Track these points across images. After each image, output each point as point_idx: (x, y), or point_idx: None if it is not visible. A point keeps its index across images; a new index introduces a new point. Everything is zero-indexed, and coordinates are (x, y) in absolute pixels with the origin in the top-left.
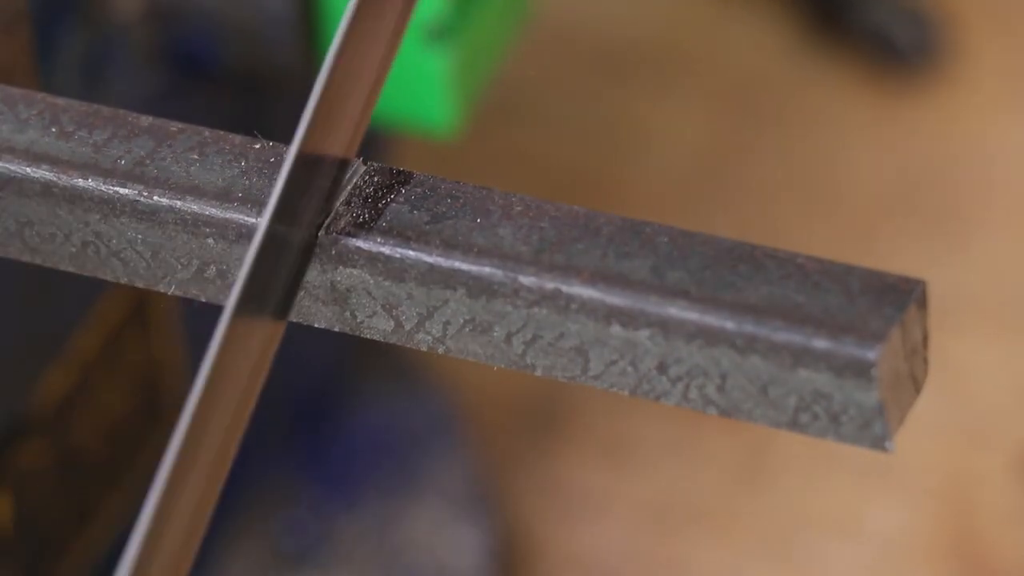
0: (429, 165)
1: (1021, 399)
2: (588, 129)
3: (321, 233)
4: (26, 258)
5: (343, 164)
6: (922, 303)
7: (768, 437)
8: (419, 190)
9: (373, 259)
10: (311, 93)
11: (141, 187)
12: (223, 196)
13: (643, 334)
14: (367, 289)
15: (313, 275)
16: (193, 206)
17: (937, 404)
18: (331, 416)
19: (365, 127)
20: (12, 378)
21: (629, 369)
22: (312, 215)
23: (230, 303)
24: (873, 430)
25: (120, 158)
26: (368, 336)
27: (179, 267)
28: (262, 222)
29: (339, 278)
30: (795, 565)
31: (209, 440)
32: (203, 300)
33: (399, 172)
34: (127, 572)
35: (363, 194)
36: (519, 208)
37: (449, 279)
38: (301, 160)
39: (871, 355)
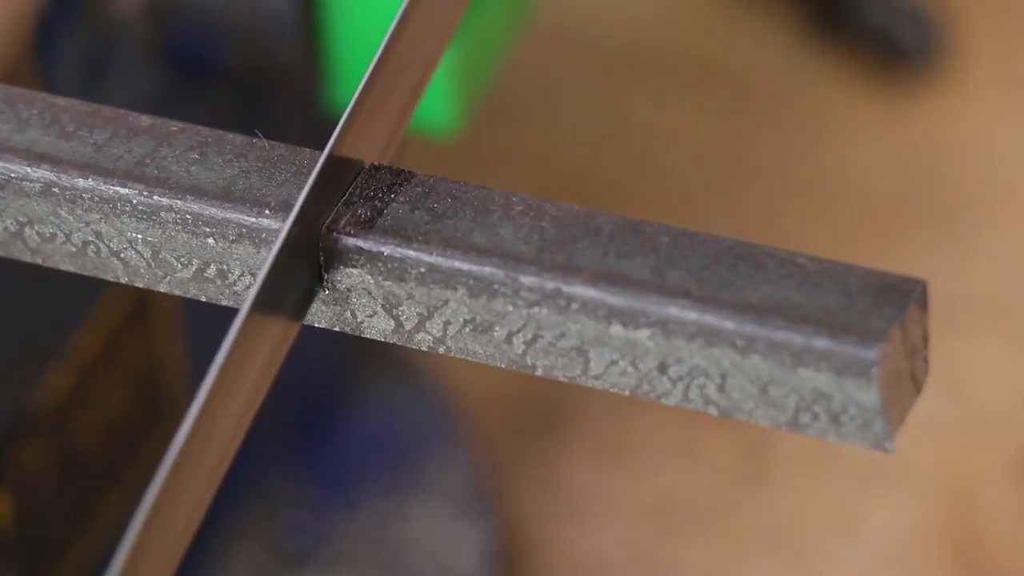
0: (429, 164)
1: (1021, 399)
2: (588, 129)
3: (322, 232)
4: (26, 258)
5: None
6: (922, 303)
7: (768, 437)
8: (419, 189)
9: (373, 259)
10: (353, 96)
11: (141, 187)
12: (223, 196)
13: (643, 334)
14: (367, 289)
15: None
16: (193, 206)
17: (937, 404)
18: (331, 416)
19: (400, 134)
20: (12, 378)
21: (629, 369)
22: (324, 216)
23: (248, 301)
24: (873, 430)
25: (120, 158)
26: (368, 336)
27: (179, 267)
28: (287, 222)
29: (339, 278)
30: (795, 565)
31: (215, 439)
32: (203, 300)
33: (399, 172)
34: (120, 567)
35: (364, 193)
36: (519, 207)
37: (450, 279)
38: (332, 163)
39: (871, 355)
